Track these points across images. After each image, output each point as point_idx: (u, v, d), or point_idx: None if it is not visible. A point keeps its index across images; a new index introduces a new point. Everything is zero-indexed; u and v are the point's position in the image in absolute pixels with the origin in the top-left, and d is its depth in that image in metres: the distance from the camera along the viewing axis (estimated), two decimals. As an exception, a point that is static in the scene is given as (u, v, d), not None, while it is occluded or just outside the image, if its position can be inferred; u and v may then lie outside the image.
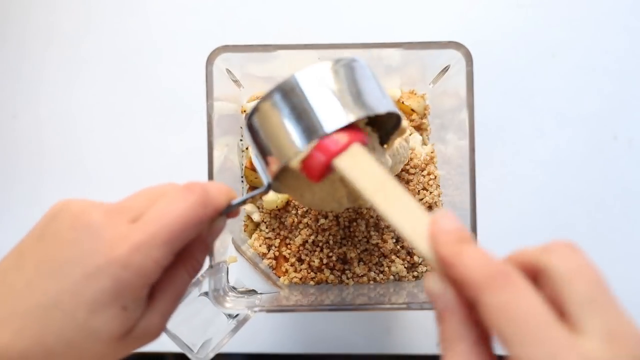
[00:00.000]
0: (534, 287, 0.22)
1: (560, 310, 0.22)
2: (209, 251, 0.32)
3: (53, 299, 0.25)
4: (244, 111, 0.49)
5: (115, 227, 0.26)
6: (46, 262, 0.26)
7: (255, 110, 0.31)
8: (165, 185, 0.29)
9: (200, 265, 0.31)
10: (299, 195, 0.37)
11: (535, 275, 0.23)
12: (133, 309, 0.26)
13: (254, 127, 0.31)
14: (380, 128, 0.36)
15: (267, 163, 0.31)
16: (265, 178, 0.32)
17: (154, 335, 0.29)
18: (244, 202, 0.31)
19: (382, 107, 0.31)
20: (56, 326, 0.25)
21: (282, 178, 0.34)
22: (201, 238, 0.30)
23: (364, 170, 0.28)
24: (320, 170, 0.30)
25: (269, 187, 0.32)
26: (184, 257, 0.29)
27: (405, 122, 0.35)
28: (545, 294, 0.22)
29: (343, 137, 0.29)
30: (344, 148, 0.29)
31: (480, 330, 0.23)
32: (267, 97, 0.30)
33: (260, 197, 0.48)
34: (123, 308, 0.26)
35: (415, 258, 0.47)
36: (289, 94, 0.30)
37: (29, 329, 0.25)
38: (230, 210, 0.31)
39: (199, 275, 0.39)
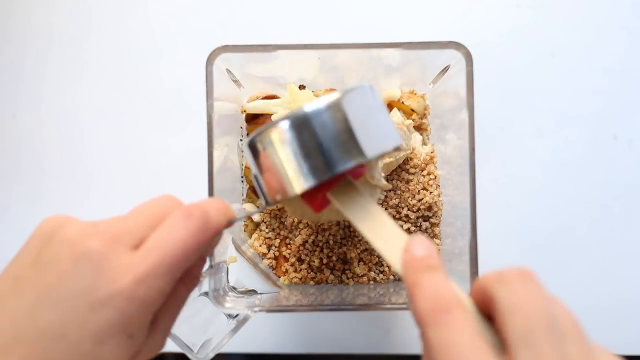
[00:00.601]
0: (477, 322, 0.23)
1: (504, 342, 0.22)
2: (204, 264, 0.32)
3: (58, 331, 0.25)
4: (244, 111, 0.49)
5: (116, 257, 0.25)
6: (46, 292, 0.25)
7: (262, 134, 0.31)
8: (163, 202, 0.28)
9: (198, 280, 0.31)
10: (292, 210, 0.39)
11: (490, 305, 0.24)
12: (138, 335, 0.26)
13: (257, 150, 0.31)
14: None
15: (267, 186, 0.32)
16: (263, 198, 0.32)
17: (157, 351, 0.29)
18: (241, 219, 0.31)
19: (391, 142, 0.32)
20: (63, 356, 0.25)
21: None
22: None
23: (352, 202, 0.31)
24: (321, 203, 0.32)
25: (267, 205, 0.33)
26: (183, 277, 0.29)
27: (402, 145, 0.36)
28: (496, 325, 0.23)
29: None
30: (336, 182, 0.31)
31: None
32: (277, 125, 0.30)
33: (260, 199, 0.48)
34: (129, 336, 0.26)
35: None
36: (300, 128, 0.30)
37: (36, 358, 0.25)
38: (227, 227, 0.31)
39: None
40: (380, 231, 0.29)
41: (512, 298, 0.23)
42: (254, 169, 0.32)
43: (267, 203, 0.32)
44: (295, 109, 0.30)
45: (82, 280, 0.25)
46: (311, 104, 0.30)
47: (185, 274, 0.29)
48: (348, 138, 0.30)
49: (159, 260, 0.26)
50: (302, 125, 0.30)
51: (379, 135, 0.31)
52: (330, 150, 0.29)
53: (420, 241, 0.27)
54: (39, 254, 0.26)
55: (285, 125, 0.30)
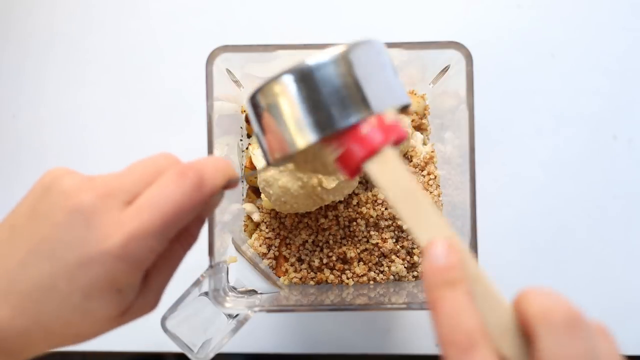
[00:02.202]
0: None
1: None
2: (203, 224, 0.31)
3: (49, 282, 0.25)
4: (244, 111, 0.49)
5: (108, 212, 0.25)
6: (39, 243, 0.26)
7: (264, 88, 0.29)
8: (160, 160, 0.28)
9: (195, 239, 0.30)
10: (301, 168, 0.36)
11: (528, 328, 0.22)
12: (128, 292, 0.26)
13: (258, 105, 0.30)
14: None
15: (269, 144, 0.30)
16: (265, 158, 0.31)
17: (150, 310, 0.29)
18: (243, 179, 0.30)
19: (400, 99, 0.30)
20: (54, 307, 0.25)
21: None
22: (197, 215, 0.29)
23: (390, 177, 0.27)
24: (355, 170, 0.28)
25: (270, 165, 0.31)
26: (179, 235, 0.29)
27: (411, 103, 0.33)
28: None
29: (377, 134, 0.28)
30: (373, 151, 0.27)
31: None
32: (279, 78, 0.29)
33: (259, 197, 0.48)
34: (118, 291, 0.26)
35: (415, 258, 0.47)
36: (303, 81, 0.28)
37: (28, 308, 0.25)
38: (228, 188, 0.30)
39: (199, 275, 0.39)
40: (422, 219, 0.26)
41: (556, 351, 0.21)
42: (255, 127, 0.31)
43: (269, 163, 0.31)
44: (298, 61, 0.28)
45: (73, 234, 0.25)
46: (315, 56, 0.28)
47: (181, 232, 0.29)
48: (353, 91, 0.28)
49: (150, 219, 0.25)
50: (305, 78, 0.28)
51: (386, 90, 0.29)
52: (334, 103, 0.28)
53: (441, 246, 0.24)
54: (36, 204, 0.27)
55: (288, 79, 0.28)
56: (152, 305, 0.29)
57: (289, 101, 0.28)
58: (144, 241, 0.25)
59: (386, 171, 0.27)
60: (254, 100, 0.30)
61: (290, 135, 0.29)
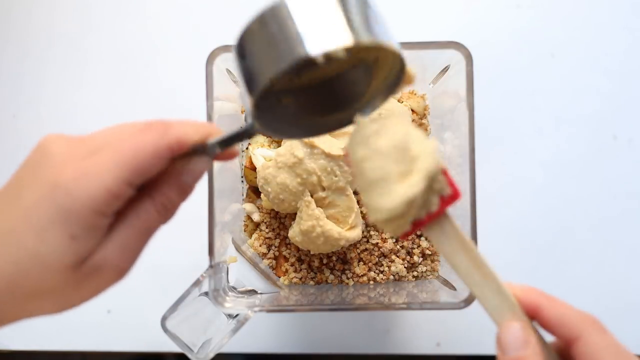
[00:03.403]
0: None
1: None
2: (187, 193, 0.29)
3: (7, 225, 0.25)
4: (244, 111, 0.49)
5: (70, 154, 0.25)
6: (7, 186, 0.26)
7: (244, 32, 0.28)
8: (131, 122, 0.28)
9: (173, 204, 0.28)
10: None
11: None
12: (83, 237, 0.25)
13: (238, 52, 0.28)
14: (376, 74, 0.30)
15: (247, 87, 0.27)
16: (249, 111, 0.27)
17: (113, 270, 0.27)
18: (225, 143, 0.28)
19: (394, 41, 0.27)
20: (12, 254, 0.25)
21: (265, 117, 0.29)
22: (174, 175, 0.28)
23: (451, 247, 0.28)
24: (411, 232, 0.28)
25: (252, 125, 0.28)
26: (150, 191, 0.27)
27: (409, 67, 0.29)
28: None
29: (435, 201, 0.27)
30: (431, 219, 0.27)
31: None
32: (253, 18, 0.28)
33: (259, 197, 0.48)
34: (71, 236, 0.25)
35: (415, 258, 0.47)
36: (273, 16, 0.27)
37: None
38: (209, 151, 0.28)
39: (199, 275, 0.40)
40: (485, 289, 0.27)
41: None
42: (239, 80, 0.28)
43: (252, 124, 0.28)
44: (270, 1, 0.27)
45: (34, 173, 0.25)
46: None
47: (153, 189, 0.27)
48: (327, 19, 0.25)
49: (106, 158, 0.25)
50: (275, 12, 0.27)
51: (369, 24, 0.26)
52: (305, 32, 0.25)
53: (513, 333, 0.27)
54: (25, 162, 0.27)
55: (260, 17, 0.28)
56: (115, 260, 0.26)
57: (262, 35, 0.27)
58: (98, 178, 0.24)
59: (444, 240, 0.28)
60: (235, 48, 0.28)
61: (263, 69, 0.26)
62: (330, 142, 0.43)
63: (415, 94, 0.50)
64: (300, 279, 0.47)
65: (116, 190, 0.25)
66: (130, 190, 0.26)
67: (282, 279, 0.48)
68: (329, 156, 0.42)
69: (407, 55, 0.28)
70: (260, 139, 0.48)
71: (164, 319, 0.38)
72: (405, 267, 0.47)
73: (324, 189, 0.43)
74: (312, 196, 0.43)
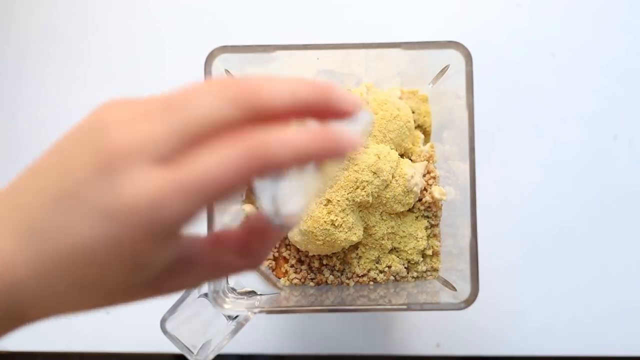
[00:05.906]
0: None
1: None
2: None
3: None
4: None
5: (136, 172, 0.21)
6: (60, 196, 0.22)
7: None
8: (206, 111, 0.22)
9: (255, 258, 0.26)
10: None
11: None
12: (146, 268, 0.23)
13: None
14: None
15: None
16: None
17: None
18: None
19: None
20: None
21: None
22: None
23: None
24: None
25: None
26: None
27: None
28: None
29: None
30: None
31: None
32: None
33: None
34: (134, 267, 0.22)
35: (415, 258, 0.47)
36: None
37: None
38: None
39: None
40: None
41: None
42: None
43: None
44: None
45: (93, 189, 0.21)
46: None
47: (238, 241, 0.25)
48: None
49: (187, 182, 0.21)
50: None
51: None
52: None
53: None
54: (72, 148, 0.24)
55: None
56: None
57: None
58: (173, 203, 0.21)
59: None
60: None
61: None
62: None
63: (415, 94, 0.50)
64: (300, 279, 0.47)
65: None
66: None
67: (282, 280, 0.47)
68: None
69: (407, 56, 0.28)
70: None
71: (163, 321, 0.38)
72: (405, 268, 0.47)
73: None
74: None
